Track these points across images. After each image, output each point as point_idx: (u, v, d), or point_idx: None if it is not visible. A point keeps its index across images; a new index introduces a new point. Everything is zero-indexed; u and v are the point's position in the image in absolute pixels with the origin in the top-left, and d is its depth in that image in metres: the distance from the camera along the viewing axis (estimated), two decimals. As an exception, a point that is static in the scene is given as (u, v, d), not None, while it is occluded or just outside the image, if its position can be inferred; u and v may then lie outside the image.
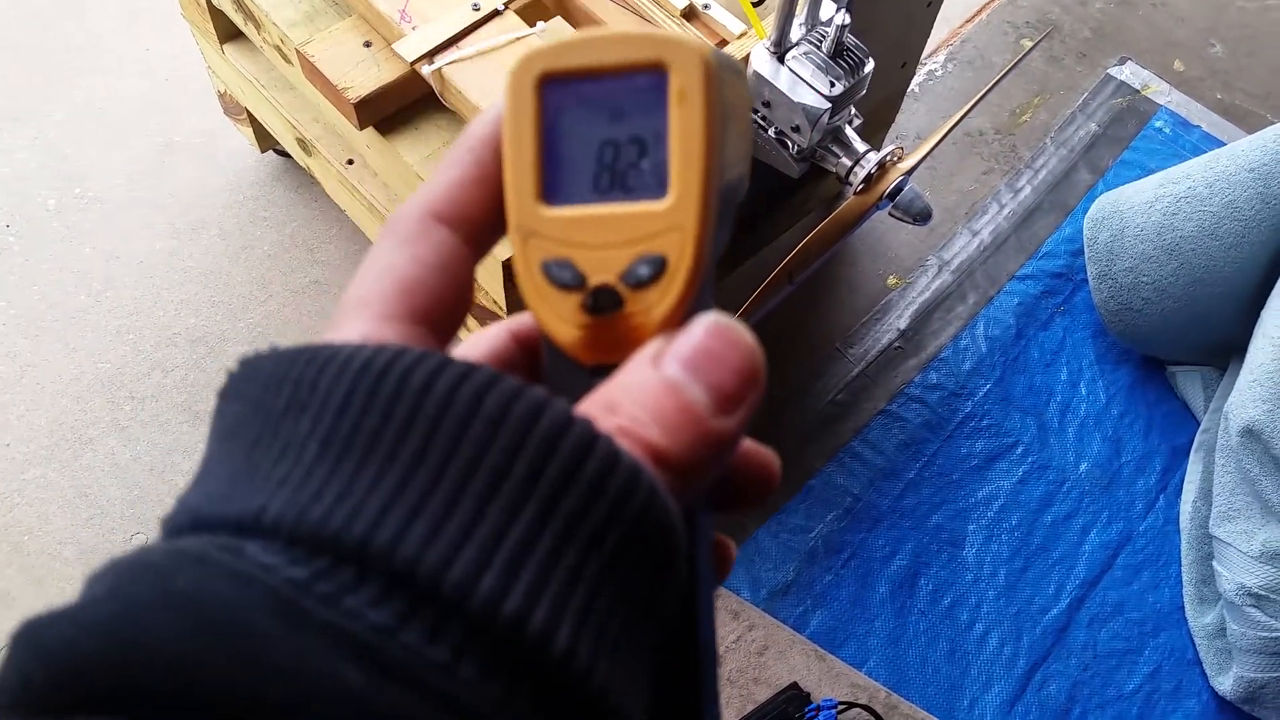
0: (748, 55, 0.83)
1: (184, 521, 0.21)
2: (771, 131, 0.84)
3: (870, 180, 0.84)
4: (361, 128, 0.94)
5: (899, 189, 0.84)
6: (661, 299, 0.23)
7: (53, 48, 1.52)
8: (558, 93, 0.23)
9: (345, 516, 0.19)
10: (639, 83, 0.23)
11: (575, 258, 0.23)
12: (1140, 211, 1.31)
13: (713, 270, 0.24)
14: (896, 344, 1.39)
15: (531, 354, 0.27)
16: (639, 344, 0.23)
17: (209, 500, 0.20)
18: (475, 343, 0.27)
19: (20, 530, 1.18)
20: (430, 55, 0.88)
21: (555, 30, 0.94)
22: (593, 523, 0.19)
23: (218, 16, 1.15)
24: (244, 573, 0.18)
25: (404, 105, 0.96)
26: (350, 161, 1.14)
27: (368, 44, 0.93)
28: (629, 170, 0.23)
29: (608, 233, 0.23)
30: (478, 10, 0.90)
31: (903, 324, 1.41)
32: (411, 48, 0.88)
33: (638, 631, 0.20)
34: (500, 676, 0.18)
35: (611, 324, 0.23)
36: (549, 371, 0.25)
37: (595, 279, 0.23)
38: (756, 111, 0.84)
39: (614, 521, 0.19)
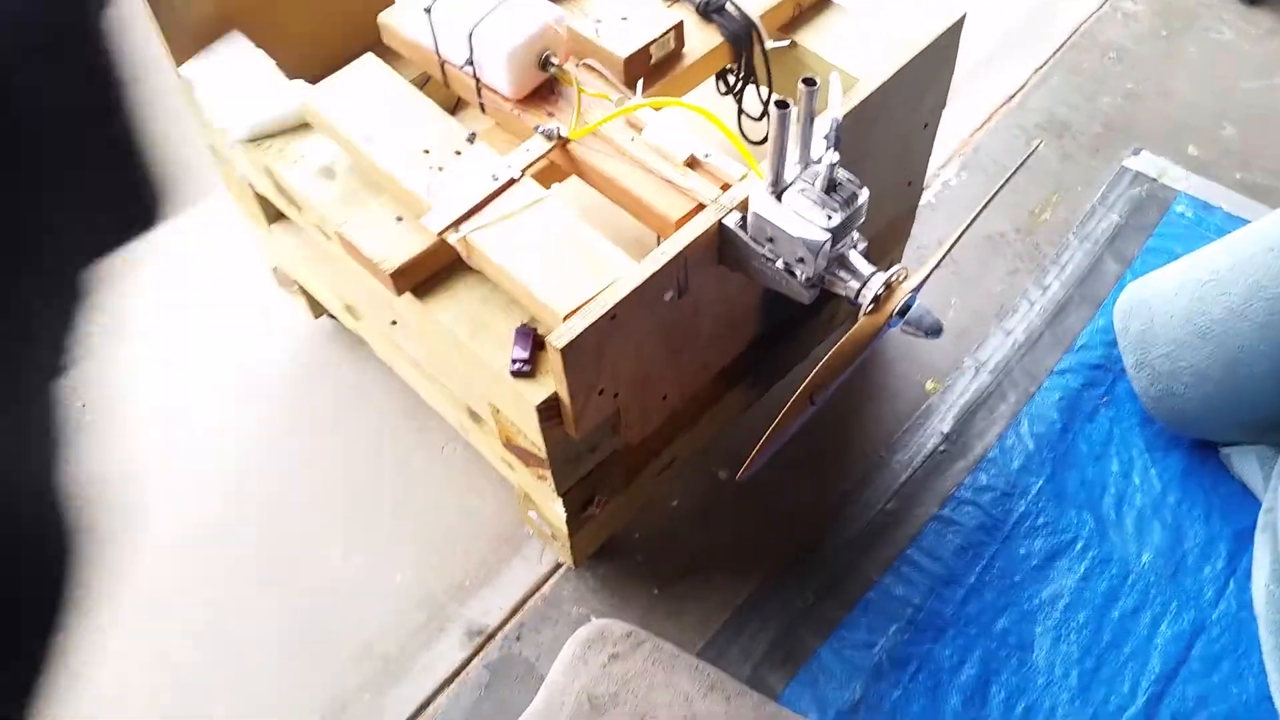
0: (748, 197, 0.88)
1: None
2: (780, 264, 0.88)
3: (879, 300, 0.87)
4: (399, 294, 1.00)
5: (908, 306, 0.87)
6: None
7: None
8: None
9: None
10: None
11: None
12: (1167, 299, 1.31)
13: None
14: (942, 448, 1.40)
15: None
16: None
17: None
18: None
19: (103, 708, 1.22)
20: (456, 224, 0.95)
21: (569, 189, 1.00)
22: None
23: (263, 202, 1.24)
24: None
25: (437, 270, 1.02)
26: (394, 322, 1.21)
27: (399, 219, 1.00)
28: None
29: None
30: (496, 180, 0.97)
31: (946, 427, 1.42)
32: (438, 219, 0.95)
33: None
34: None
35: None
36: None
37: None
38: (762, 246, 0.89)
39: None
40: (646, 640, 0.94)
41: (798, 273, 0.87)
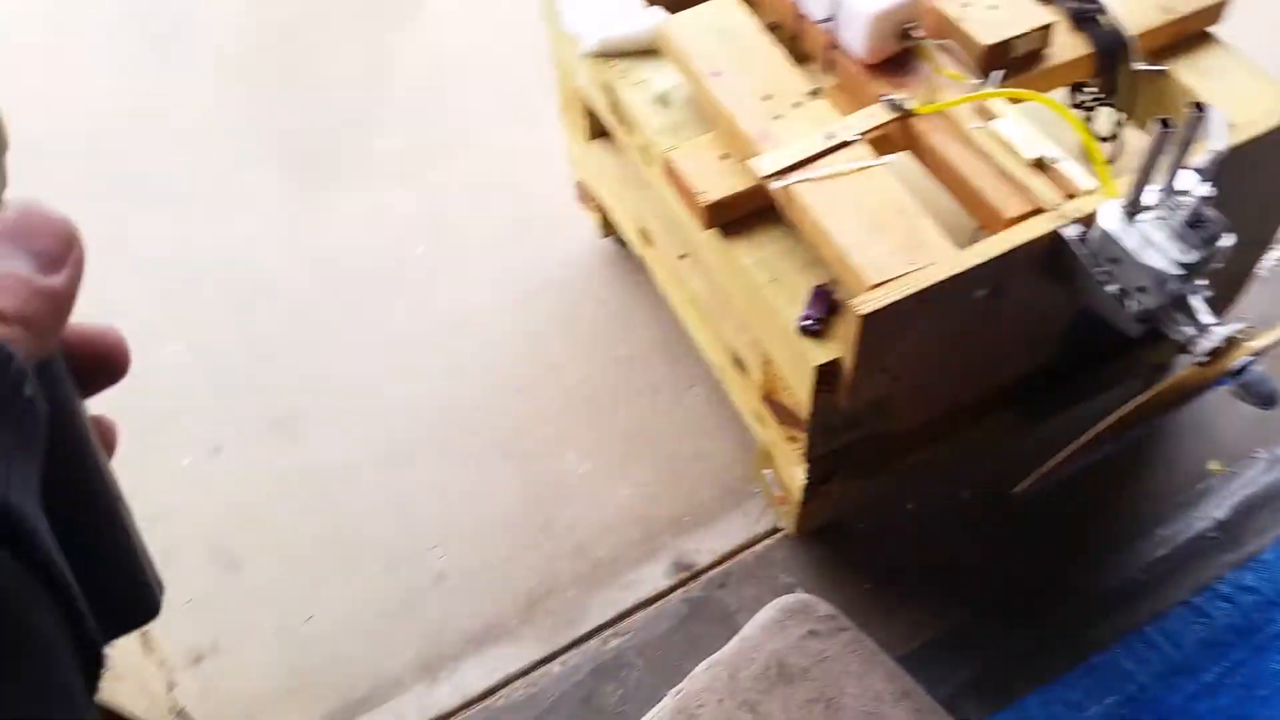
0: (1097, 211, 0.83)
1: None
2: (1113, 289, 0.83)
3: (1216, 354, 0.80)
4: (706, 228, 1.01)
5: (1244, 368, 0.80)
6: None
7: (439, 124, 1.75)
8: None
9: None
10: None
11: None
12: None
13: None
14: (1211, 534, 1.28)
15: None
16: None
17: None
18: None
19: (346, 528, 1.33)
20: (782, 173, 0.95)
21: (902, 163, 0.98)
22: None
23: (591, 118, 1.29)
24: None
25: (746, 213, 1.03)
26: (683, 256, 1.23)
27: (725, 156, 1.01)
28: None
29: None
30: (831, 139, 0.96)
31: (1221, 514, 1.30)
32: (766, 164, 0.95)
33: (21, 462, 0.24)
34: None
35: None
36: None
37: None
38: (1099, 266, 0.83)
39: None
40: (849, 629, 0.92)
41: (1132, 303, 0.81)
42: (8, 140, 0.29)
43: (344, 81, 1.83)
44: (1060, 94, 1.13)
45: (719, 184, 0.99)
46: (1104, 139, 1.15)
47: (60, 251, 0.26)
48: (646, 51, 1.15)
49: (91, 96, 1.84)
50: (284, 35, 1.92)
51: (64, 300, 0.26)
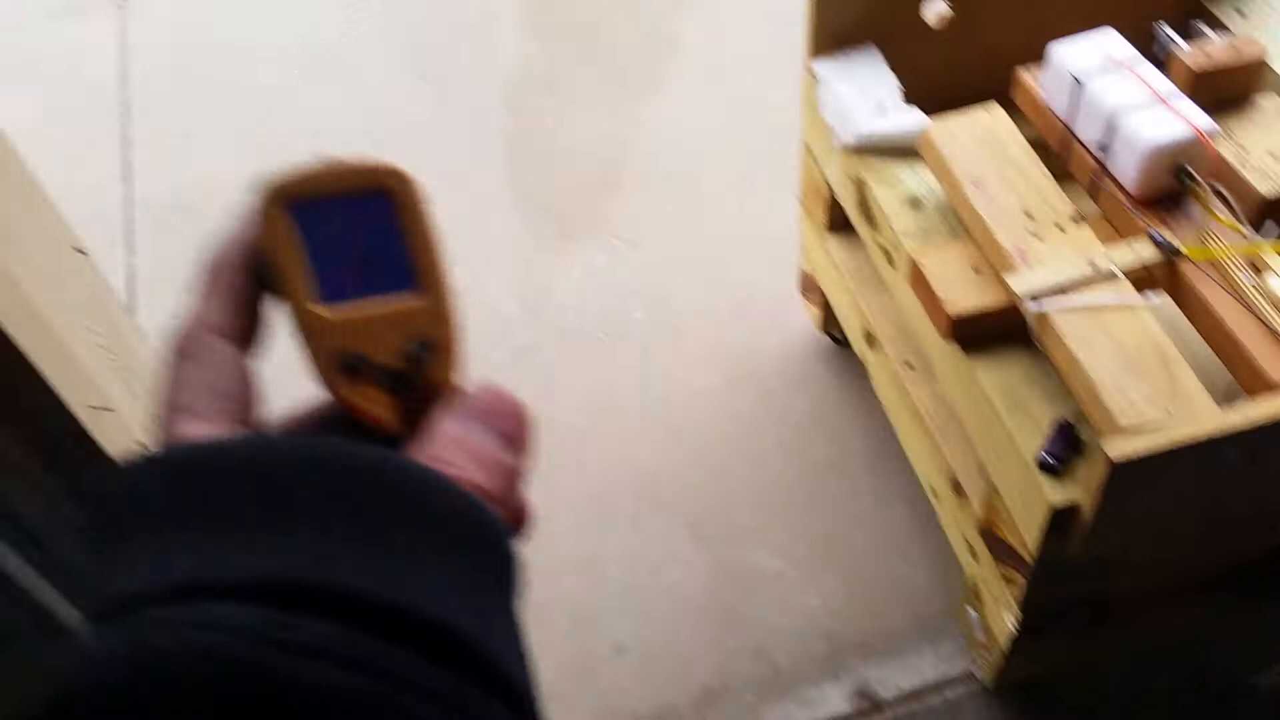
0: None
1: (162, 587, 0.23)
2: None
3: None
4: (947, 339, 0.97)
5: None
6: (439, 370, 0.30)
7: (672, 196, 1.78)
8: (307, 215, 0.28)
9: (280, 565, 0.23)
10: (368, 202, 0.29)
11: (363, 348, 0.29)
12: None
13: (462, 340, 0.31)
14: None
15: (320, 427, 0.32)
16: (428, 409, 0.29)
17: (186, 568, 0.23)
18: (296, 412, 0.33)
19: (537, 580, 1.34)
20: (1038, 296, 0.90)
21: (1163, 305, 0.91)
22: (460, 536, 0.26)
23: (833, 209, 1.27)
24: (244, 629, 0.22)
25: (988, 330, 0.98)
26: (909, 365, 1.19)
27: (975, 269, 0.97)
28: (381, 271, 0.29)
29: (381, 325, 0.29)
30: (1093, 269, 0.90)
31: None
32: (1024, 283, 0.90)
33: (506, 608, 0.27)
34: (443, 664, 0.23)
35: (405, 396, 0.29)
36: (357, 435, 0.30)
37: (382, 362, 0.29)
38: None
39: (486, 543, 0.26)
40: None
41: None
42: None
43: (587, 146, 1.90)
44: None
45: (968, 296, 0.95)
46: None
47: (520, 434, 0.30)
48: (903, 151, 1.13)
49: (368, 136, 1.98)
50: (539, 97, 2.01)
51: (519, 477, 0.30)
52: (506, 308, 1.65)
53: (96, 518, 0.25)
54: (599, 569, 1.35)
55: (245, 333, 0.30)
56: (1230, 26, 1.19)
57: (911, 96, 1.15)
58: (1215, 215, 0.93)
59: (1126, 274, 0.92)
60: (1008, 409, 0.93)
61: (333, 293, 0.29)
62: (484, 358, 1.58)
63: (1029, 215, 0.97)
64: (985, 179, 1.00)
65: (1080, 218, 0.97)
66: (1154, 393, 0.83)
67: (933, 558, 1.30)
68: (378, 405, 0.29)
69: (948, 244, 1.02)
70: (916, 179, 1.11)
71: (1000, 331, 0.97)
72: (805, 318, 1.55)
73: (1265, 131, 1.01)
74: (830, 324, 1.48)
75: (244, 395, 0.29)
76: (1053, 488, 0.87)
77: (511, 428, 0.29)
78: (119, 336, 0.76)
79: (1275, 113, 1.04)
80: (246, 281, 0.30)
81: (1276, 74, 1.11)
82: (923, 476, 1.22)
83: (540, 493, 1.20)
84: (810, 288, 1.48)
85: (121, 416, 0.66)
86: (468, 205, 1.81)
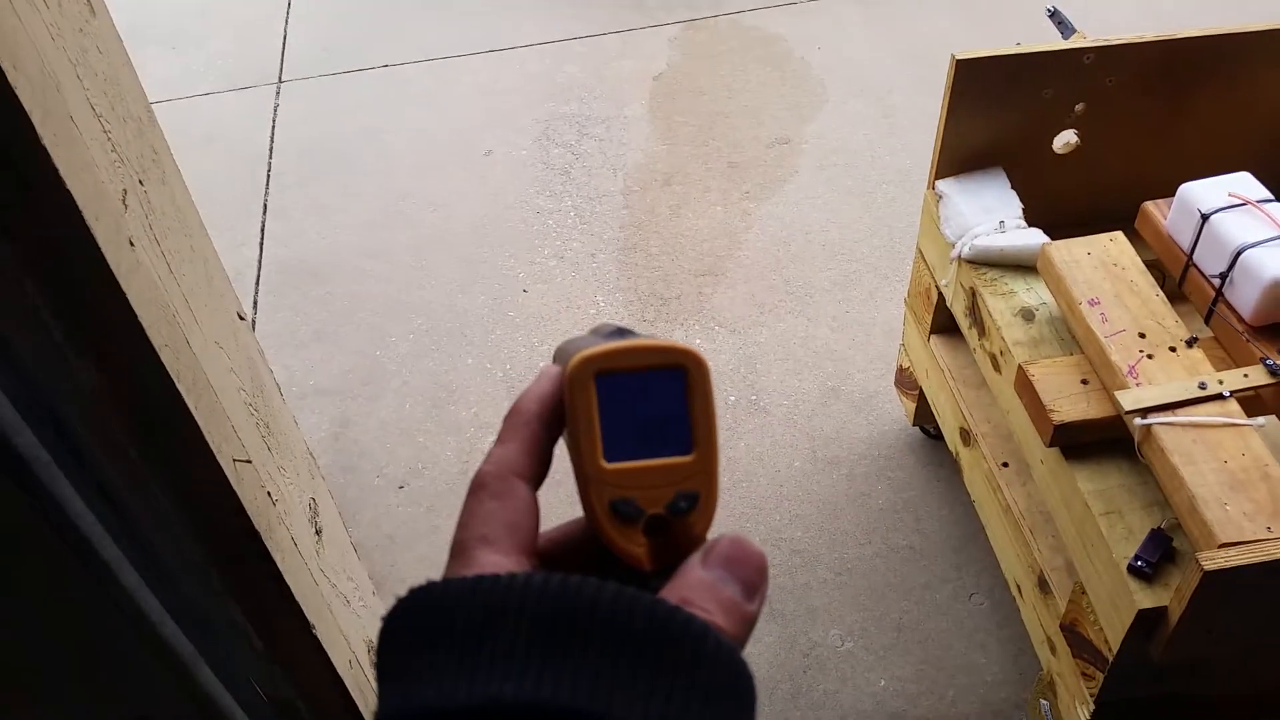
0: None
1: (471, 705, 0.27)
2: None
3: None
4: (1050, 445, 1.04)
5: None
6: (698, 521, 0.33)
7: (776, 287, 1.88)
8: (609, 384, 0.33)
9: (567, 694, 0.26)
10: (666, 377, 0.33)
11: (634, 497, 0.33)
12: None
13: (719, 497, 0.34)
14: None
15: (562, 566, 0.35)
16: (683, 554, 0.32)
17: (439, 695, 0.27)
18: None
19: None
20: (1144, 411, 0.97)
21: (1272, 426, 0.97)
22: (715, 683, 0.27)
23: (940, 311, 1.36)
24: None
25: (1090, 440, 1.05)
26: (1005, 464, 1.26)
27: (1084, 381, 1.05)
28: (663, 435, 0.33)
29: (655, 478, 0.33)
30: (1203, 389, 0.98)
31: None
32: (1132, 399, 0.98)
33: None
34: None
35: (663, 542, 0.33)
36: (617, 578, 0.32)
37: (650, 510, 0.33)
38: None
39: (737, 690, 0.28)
40: None
41: None
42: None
43: (700, 234, 2.02)
44: None
45: (1074, 406, 1.03)
46: None
47: (758, 583, 0.31)
48: (1018, 267, 1.22)
49: (493, 208, 2.12)
50: (653, 186, 2.14)
51: (754, 625, 0.31)
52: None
53: (404, 628, 0.29)
54: None
55: (537, 475, 0.34)
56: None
57: (1033, 219, 1.24)
58: (1322, 353, 0.99)
59: (1236, 396, 0.99)
60: (1105, 515, 0.99)
61: (617, 450, 0.33)
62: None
63: (1142, 335, 1.05)
64: (1100, 298, 1.08)
65: (1194, 341, 1.04)
66: (1255, 510, 0.90)
67: (1007, 650, 1.35)
68: (635, 545, 0.33)
69: (1058, 356, 1.10)
70: (1031, 293, 1.19)
71: (1101, 442, 1.04)
72: (895, 410, 1.63)
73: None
74: (922, 417, 1.55)
75: (533, 528, 0.33)
76: (1141, 591, 0.93)
77: (751, 576, 0.31)
78: (262, 393, 0.85)
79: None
80: (544, 433, 0.34)
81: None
82: (1007, 571, 1.28)
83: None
84: (906, 382, 1.56)
85: (255, 467, 0.74)
86: (579, 286, 1.92)
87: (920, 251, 1.40)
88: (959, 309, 1.28)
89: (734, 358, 1.77)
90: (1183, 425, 0.96)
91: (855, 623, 1.41)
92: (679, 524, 0.33)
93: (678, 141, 2.24)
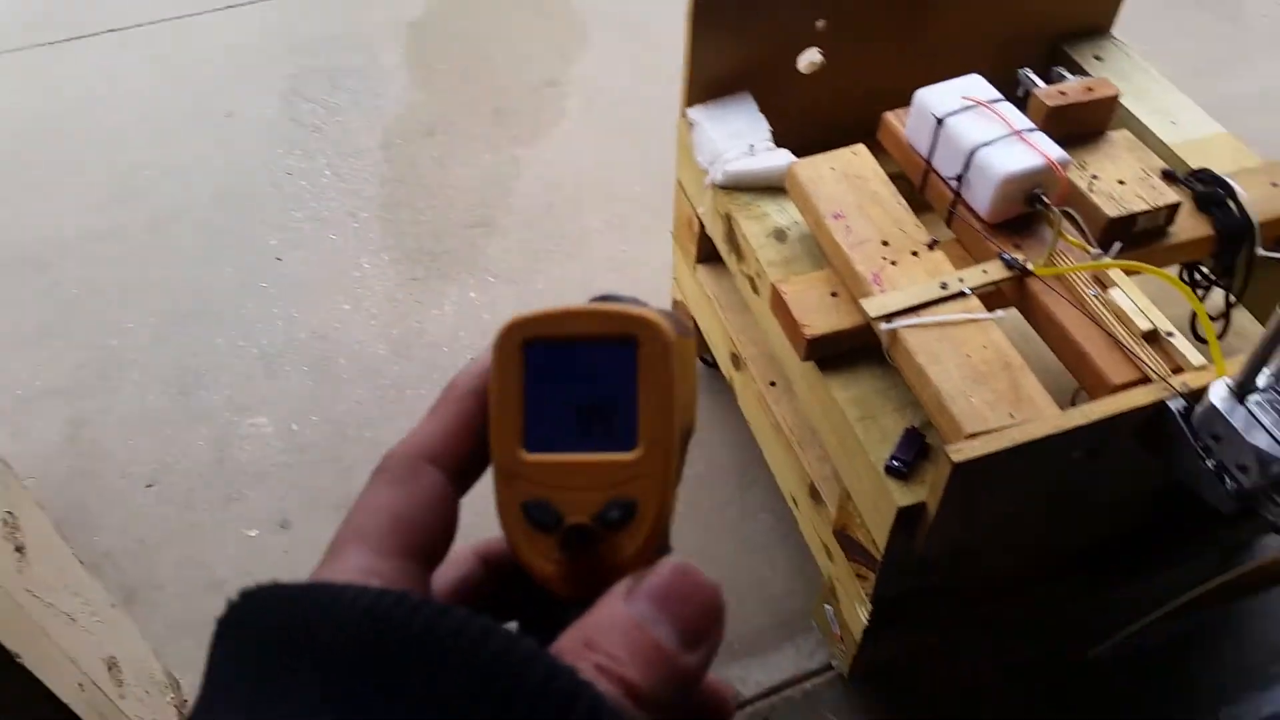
0: (1206, 386, 0.85)
1: None
2: (1211, 463, 0.85)
3: (1311, 543, 0.81)
4: (804, 359, 1.05)
5: (1342, 561, 0.80)
6: (633, 538, 0.26)
7: (550, 233, 1.84)
8: (540, 354, 0.27)
9: None
10: (611, 350, 0.26)
11: (553, 499, 0.26)
12: None
13: (672, 510, 0.26)
14: (1278, 727, 1.25)
15: (498, 575, 0.30)
16: (609, 580, 0.24)
17: None
18: (446, 568, 0.29)
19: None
20: (890, 316, 0.99)
21: (1009, 318, 1.01)
22: None
23: (703, 242, 1.35)
24: None
25: (844, 350, 1.07)
26: (772, 384, 1.27)
27: (834, 294, 1.06)
28: (602, 424, 0.26)
29: (583, 478, 0.26)
30: (944, 289, 1.00)
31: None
32: (876, 306, 0.99)
33: None
34: None
35: (585, 561, 0.26)
36: (524, 601, 0.27)
37: (571, 519, 0.26)
38: (1200, 441, 0.85)
39: None
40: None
41: (1231, 480, 0.83)
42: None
43: (469, 185, 1.94)
44: (1173, 270, 1.17)
45: (825, 319, 1.04)
46: (1212, 318, 1.18)
47: (703, 628, 0.24)
48: (770, 189, 1.22)
49: (238, 173, 1.96)
50: (415, 138, 2.04)
51: (693, 682, 0.24)
52: (375, 348, 1.66)
53: (220, 641, 0.24)
54: None
55: (460, 463, 0.28)
56: (1089, 70, 1.34)
57: (784, 140, 1.24)
58: (1064, 236, 1.04)
59: (977, 293, 1.02)
60: (860, 420, 1.01)
61: (542, 439, 0.27)
62: (350, 398, 1.59)
63: (886, 243, 1.07)
64: (845, 211, 1.09)
65: (934, 244, 1.07)
66: (997, 399, 0.93)
67: (793, 561, 1.38)
68: (547, 561, 0.26)
69: (810, 272, 1.11)
70: (783, 213, 1.20)
71: (855, 350, 1.06)
72: (675, 346, 1.63)
73: (1115, 162, 1.13)
74: (700, 348, 1.55)
75: (434, 528, 0.27)
76: (899, 490, 0.95)
77: (692, 617, 0.24)
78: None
79: (1125, 145, 1.16)
80: (480, 413, 0.28)
81: (1128, 111, 1.25)
82: (784, 486, 1.30)
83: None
84: (683, 314, 1.55)
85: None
86: (340, 243, 1.82)
87: (680, 183, 1.38)
88: (718, 236, 1.28)
89: (512, 308, 1.71)
90: (927, 326, 0.98)
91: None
92: (608, 540, 0.26)
93: (439, 90, 2.15)
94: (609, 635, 0.23)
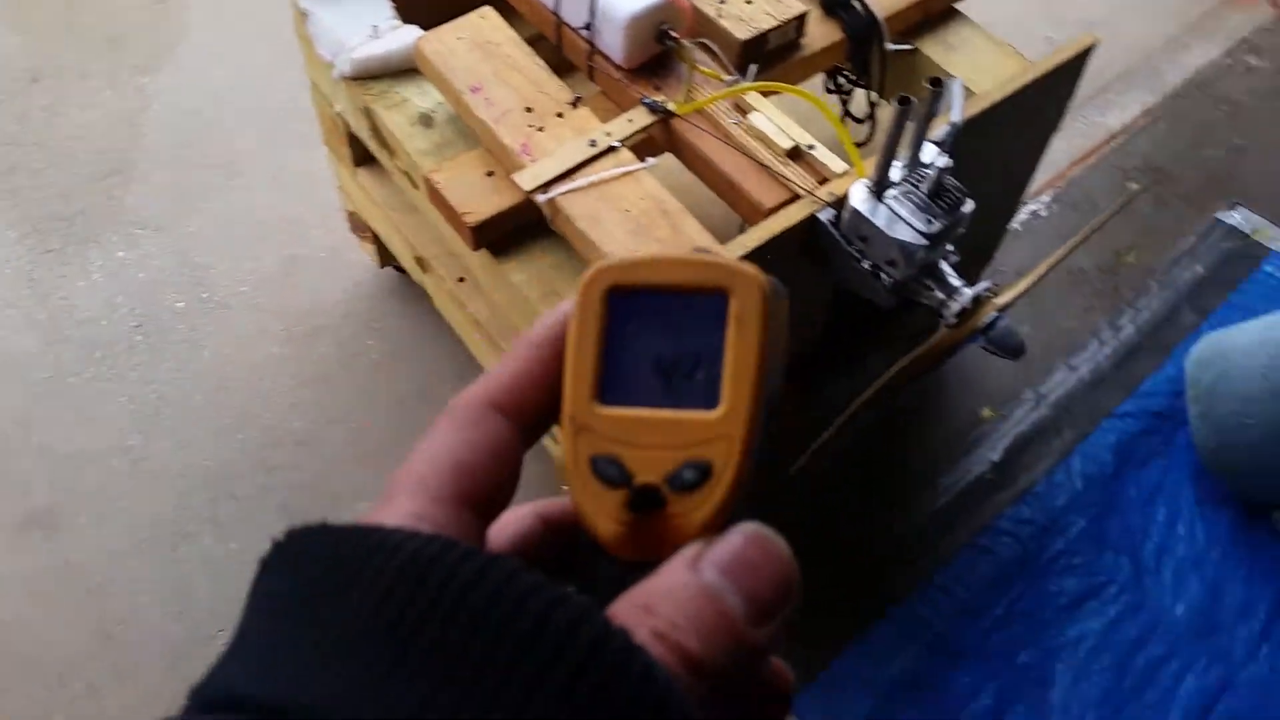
0: (848, 192, 0.87)
1: (215, 695, 0.21)
2: (866, 264, 0.88)
3: (964, 315, 0.86)
4: (475, 249, 1.00)
5: (993, 324, 0.86)
6: (704, 503, 0.24)
7: (197, 165, 1.66)
8: (625, 303, 0.25)
9: (376, 715, 0.19)
10: (701, 302, 0.25)
11: (624, 456, 0.25)
12: (1246, 354, 1.29)
13: (752, 479, 0.25)
14: (988, 476, 1.38)
15: (559, 538, 0.28)
16: (676, 545, 0.23)
17: (244, 677, 0.21)
18: (504, 525, 0.28)
19: (113, 620, 1.23)
20: (546, 186, 0.95)
21: (663, 165, 1.00)
22: None
23: (354, 143, 1.25)
24: None
25: (517, 229, 1.02)
26: (461, 279, 1.21)
27: (490, 173, 1.01)
28: (683, 380, 0.25)
29: (658, 435, 0.25)
30: (594, 146, 0.97)
31: (995, 456, 1.40)
32: (529, 178, 0.95)
33: None
34: None
35: (651, 523, 0.24)
36: (583, 563, 0.26)
37: (641, 478, 0.24)
38: (852, 244, 0.88)
39: None
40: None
41: (885, 276, 0.87)
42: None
43: (92, 131, 1.70)
44: (819, 80, 1.19)
45: (485, 202, 0.98)
46: (861, 120, 1.22)
47: (775, 602, 0.22)
48: (406, 71, 1.12)
49: None
50: (18, 90, 1.76)
51: (759, 659, 0.22)
52: (20, 341, 1.46)
53: (263, 578, 0.23)
54: (188, 589, 1.26)
55: (531, 413, 0.26)
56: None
57: (411, 14, 1.14)
58: (698, 68, 1.02)
59: (628, 144, 0.99)
60: (543, 298, 0.98)
61: (618, 391, 0.25)
62: (2, 407, 1.40)
63: (529, 110, 1.01)
64: (482, 83, 1.03)
65: (578, 102, 1.02)
66: (661, 248, 0.91)
67: (537, 449, 1.36)
68: (613, 520, 0.24)
69: (463, 154, 1.04)
70: (425, 96, 1.11)
71: (526, 228, 1.02)
72: (363, 259, 1.53)
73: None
74: (388, 257, 1.47)
75: (495, 477, 0.25)
76: (599, 357, 0.94)
77: (765, 590, 0.22)
78: None
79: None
80: (552, 362, 0.26)
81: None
82: (503, 380, 1.27)
83: (104, 531, 1.11)
84: (358, 225, 1.45)
85: None
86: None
87: (314, 83, 1.26)
88: (364, 133, 1.18)
89: (169, 258, 1.55)
90: (583, 189, 0.95)
91: (377, 490, 1.34)
92: (678, 503, 0.24)
93: (36, 28, 1.85)
94: (669, 601, 0.21)
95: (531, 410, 0.26)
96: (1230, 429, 1.30)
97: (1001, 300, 0.87)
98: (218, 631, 1.23)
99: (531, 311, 0.99)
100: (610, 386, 0.25)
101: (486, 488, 0.25)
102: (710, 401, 0.24)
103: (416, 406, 1.41)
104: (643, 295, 0.25)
